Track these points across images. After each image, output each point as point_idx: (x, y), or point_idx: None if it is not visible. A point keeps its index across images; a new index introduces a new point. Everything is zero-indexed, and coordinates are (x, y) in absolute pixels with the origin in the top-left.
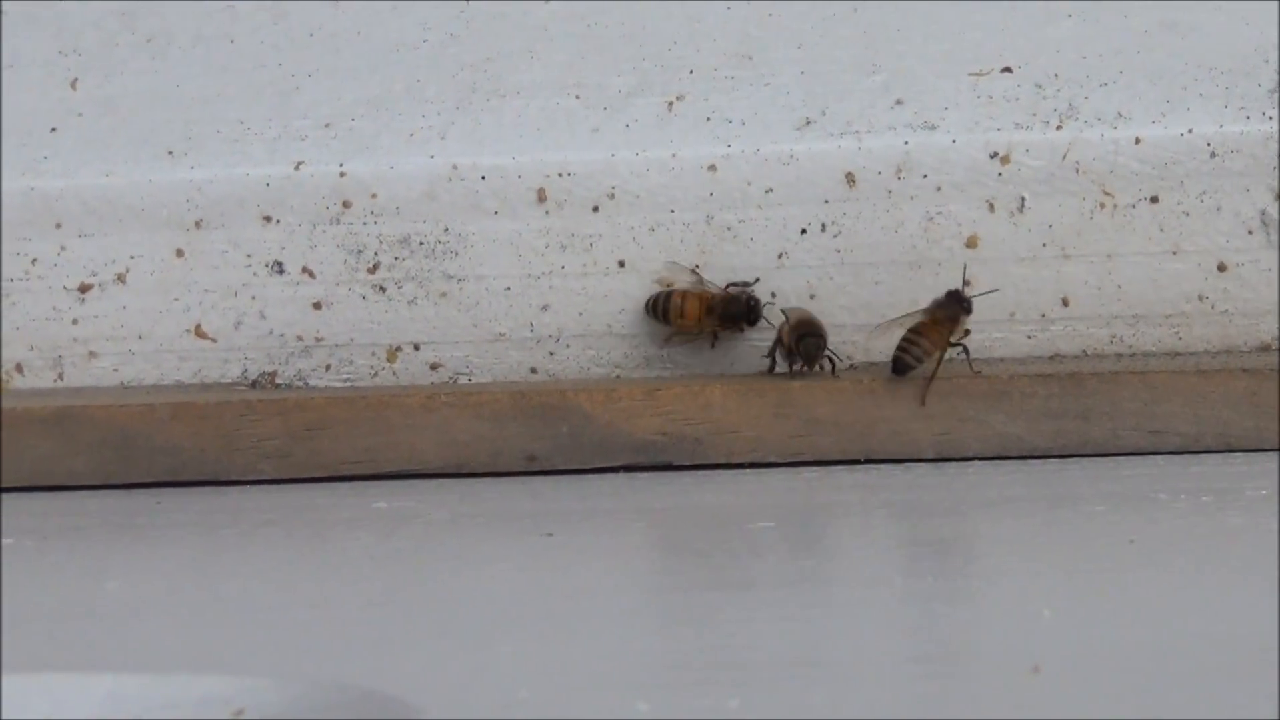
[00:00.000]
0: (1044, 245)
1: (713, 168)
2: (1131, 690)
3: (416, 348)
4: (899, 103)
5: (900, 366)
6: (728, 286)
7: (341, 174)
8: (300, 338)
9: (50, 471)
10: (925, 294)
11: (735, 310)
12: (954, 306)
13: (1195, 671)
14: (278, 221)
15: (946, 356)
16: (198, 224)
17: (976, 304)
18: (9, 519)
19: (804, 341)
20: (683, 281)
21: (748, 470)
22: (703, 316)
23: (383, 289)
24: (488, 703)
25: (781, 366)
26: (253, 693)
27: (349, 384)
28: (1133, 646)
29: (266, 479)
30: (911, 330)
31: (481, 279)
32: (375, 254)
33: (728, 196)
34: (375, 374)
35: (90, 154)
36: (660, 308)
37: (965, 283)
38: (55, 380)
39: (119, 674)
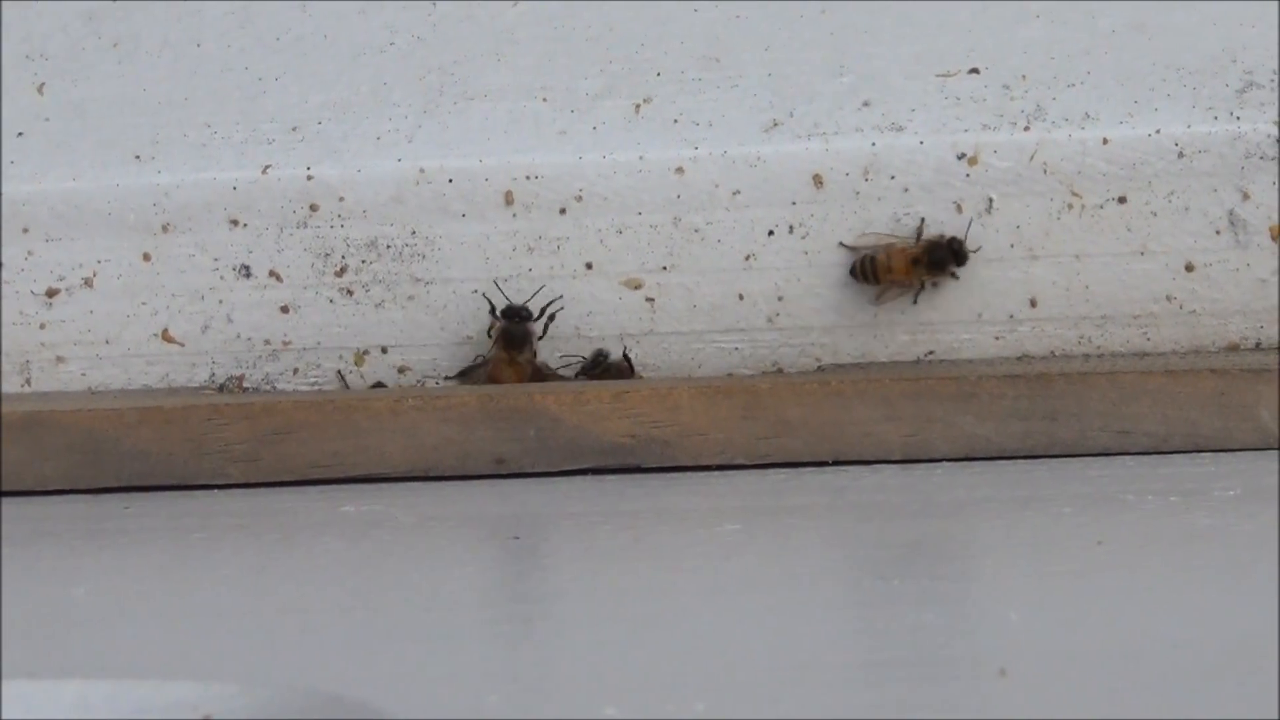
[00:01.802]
0: (1011, 246)
1: (680, 170)
2: (1099, 692)
3: (384, 351)
4: (866, 104)
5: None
6: (919, 238)
7: (309, 177)
8: (268, 341)
9: (18, 476)
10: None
11: (940, 255)
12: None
13: (1162, 673)
14: (245, 225)
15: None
16: (165, 228)
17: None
18: None
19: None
20: (881, 243)
21: (716, 472)
22: (910, 267)
23: (350, 292)
24: (456, 707)
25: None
26: (220, 698)
27: (316, 388)
28: (1100, 649)
29: (234, 483)
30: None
31: (449, 282)
32: (343, 257)
33: (695, 198)
34: (343, 377)
35: (57, 158)
36: (869, 270)
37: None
38: (23, 385)
39: (87, 679)
